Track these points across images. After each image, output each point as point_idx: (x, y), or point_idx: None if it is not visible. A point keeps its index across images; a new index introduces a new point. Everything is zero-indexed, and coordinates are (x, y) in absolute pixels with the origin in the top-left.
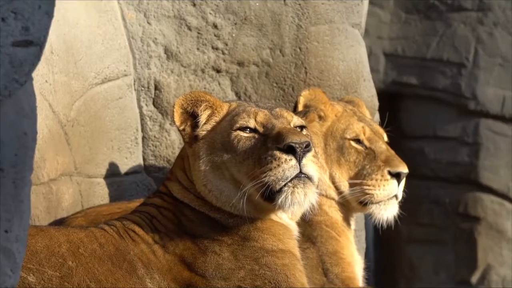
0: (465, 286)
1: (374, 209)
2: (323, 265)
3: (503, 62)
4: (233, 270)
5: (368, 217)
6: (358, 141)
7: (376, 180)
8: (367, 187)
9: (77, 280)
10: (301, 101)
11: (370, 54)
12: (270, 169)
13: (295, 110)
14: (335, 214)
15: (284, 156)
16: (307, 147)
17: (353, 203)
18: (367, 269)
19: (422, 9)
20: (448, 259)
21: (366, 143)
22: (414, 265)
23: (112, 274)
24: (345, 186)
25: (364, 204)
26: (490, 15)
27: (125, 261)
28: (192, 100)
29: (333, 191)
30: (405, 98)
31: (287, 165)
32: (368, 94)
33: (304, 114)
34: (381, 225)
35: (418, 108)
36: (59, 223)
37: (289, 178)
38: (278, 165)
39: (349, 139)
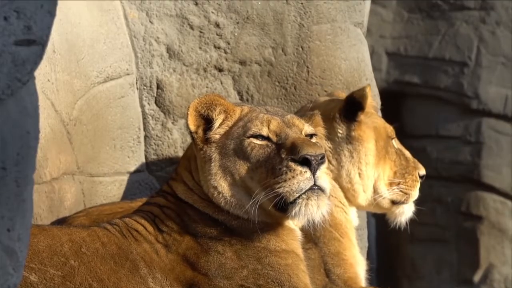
0: (468, 285)
1: (404, 209)
2: (325, 266)
3: (505, 61)
4: (236, 270)
5: (373, 217)
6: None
7: (412, 181)
8: (406, 187)
9: (79, 280)
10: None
11: (372, 53)
12: (285, 180)
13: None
14: (340, 215)
15: (299, 168)
16: (322, 159)
17: (386, 204)
18: (369, 270)
19: (424, 8)
20: (451, 258)
21: (396, 144)
22: (416, 264)
23: (114, 273)
24: (383, 186)
25: (396, 204)
26: (492, 14)
27: (128, 260)
28: (207, 104)
29: (367, 190)
30: (407, 97)
31: (302, 177)
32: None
33: (309, 117)
34: (399, 226)
35: (421, 107)
36: (61, 222)
37: (303, 190)
38: (293, 177)
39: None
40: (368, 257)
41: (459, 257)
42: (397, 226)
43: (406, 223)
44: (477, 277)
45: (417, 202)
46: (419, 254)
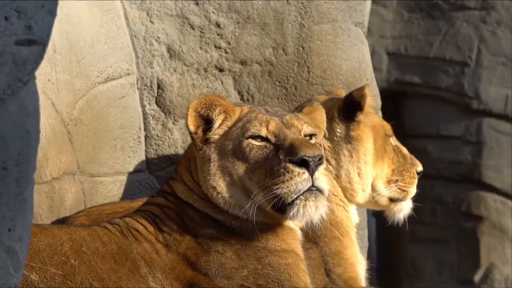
0: (468, 285)
1: (402, 206)
2: (325, 266)
3: (506, 61)
4: (236, 269)
5: (374, 217)
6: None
7: (410, 178)
8: (404, 185)
9: (80, 279)
10: None
11: (373, 53)
12: (283, 182)
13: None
14: (341, 213)
15: (297, 169)
16: (320, 160)
17: (384, 201)
18: (370, 270)
19: (425, 8)
20: (451, 258)
21: (393, 141)
22: (417, 264)
23: (115, 272)
24: (381, 184)
25: (394, 201)
26: (493, 14)
27: (128, 259)
28: (206, 104)
29: (365, 189)
30: (408, 97)
31: (300, 178)
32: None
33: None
34: (398, 223)
35: (421, 107)
36: (62, 222)
37: (301, 191)
38: (291, 178)
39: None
40: (369, 257)
41: (459, 257)
42: (396, 223)
43: (405, 221)
44: (477, 277)
45: (417, 201)
46: (419, 254)
